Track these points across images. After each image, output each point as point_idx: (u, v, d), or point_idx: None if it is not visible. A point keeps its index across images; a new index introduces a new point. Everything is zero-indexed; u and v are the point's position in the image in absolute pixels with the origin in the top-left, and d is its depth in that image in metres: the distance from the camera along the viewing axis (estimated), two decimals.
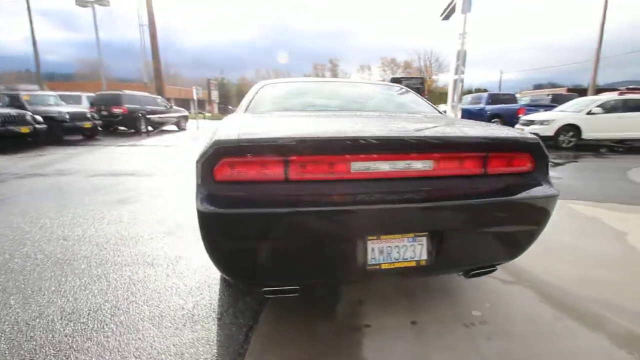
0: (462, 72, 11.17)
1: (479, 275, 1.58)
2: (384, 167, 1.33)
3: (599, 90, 13.86)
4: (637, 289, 1.97)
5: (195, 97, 15.37)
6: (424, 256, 1.39)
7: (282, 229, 1.25)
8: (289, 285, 1.38)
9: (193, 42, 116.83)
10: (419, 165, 1.36)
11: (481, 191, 1.41)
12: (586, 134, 8.27)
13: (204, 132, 13.69)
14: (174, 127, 14.91)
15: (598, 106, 8.29)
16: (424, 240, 1.39)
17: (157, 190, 4.22)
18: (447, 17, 16.17)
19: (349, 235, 1.34)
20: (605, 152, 8.14)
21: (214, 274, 2.08)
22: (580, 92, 16.25)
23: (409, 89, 2.79)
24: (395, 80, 11.69)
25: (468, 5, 12.24)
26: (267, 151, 1.26)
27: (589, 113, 8.24)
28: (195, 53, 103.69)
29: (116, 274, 2.10)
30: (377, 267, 1.35)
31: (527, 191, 1.43)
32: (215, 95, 33.26)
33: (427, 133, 1.42)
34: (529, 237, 1.53)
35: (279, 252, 1.31)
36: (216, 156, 1.23)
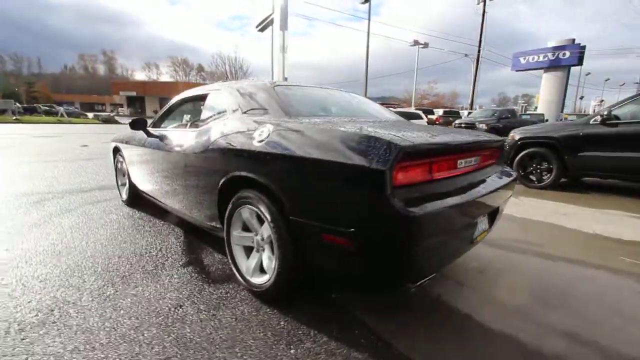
0: (286, 81, 12.67)
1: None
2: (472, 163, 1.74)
3: None
4: (531, 231, 3.23)
5: None
6: (487, 226, 1.88)
7: (458, 220, 1.47)
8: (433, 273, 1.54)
9: None
10: (482, 160, 1.85)
11: (499, 175, 2.06)
12: None
13: None
14: None
15: None
16: (486, 214, 1.90)
17: None
18: (263, 29, 17.33)
19: (477, 216, 1.66)
20: None
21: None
22: None
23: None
24: None
25: (285, 23, 13.72)
26: (433, 154, 1.40)
27: None
28: None
29: None
30: (476, 238, 1.73)
31: (511, 174, 2.20)
32: None
33: (488, 137, 1.94)
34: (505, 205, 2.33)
35: (449, 241, 1.50)
36: (400, 161, 1.25)
